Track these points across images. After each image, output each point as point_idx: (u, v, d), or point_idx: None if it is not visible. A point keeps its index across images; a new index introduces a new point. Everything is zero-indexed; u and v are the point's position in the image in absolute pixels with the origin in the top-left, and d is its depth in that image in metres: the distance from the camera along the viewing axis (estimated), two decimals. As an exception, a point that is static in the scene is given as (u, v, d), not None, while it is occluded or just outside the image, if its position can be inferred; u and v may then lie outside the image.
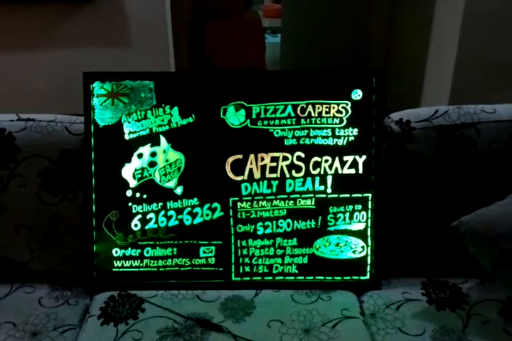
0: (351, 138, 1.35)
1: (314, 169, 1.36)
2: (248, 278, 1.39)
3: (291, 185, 1.36)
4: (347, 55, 3.25)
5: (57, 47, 2.10)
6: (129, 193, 1.36)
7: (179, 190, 1.36)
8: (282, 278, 1.39)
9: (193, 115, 1.34)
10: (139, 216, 1.36)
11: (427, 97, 2.35)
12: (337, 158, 1.35)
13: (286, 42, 3.77)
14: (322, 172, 1.36)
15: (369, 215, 1.37)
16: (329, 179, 1.36)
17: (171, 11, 2.20)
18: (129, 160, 1.35)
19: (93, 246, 1.37)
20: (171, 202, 1.36)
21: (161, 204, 1.36)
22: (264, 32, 3.59)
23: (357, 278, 1.39)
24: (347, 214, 1.37)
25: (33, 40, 2.08)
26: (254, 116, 1.34)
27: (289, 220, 1.38)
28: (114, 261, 1.38)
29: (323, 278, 1.39)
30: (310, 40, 3.43)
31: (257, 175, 1.36)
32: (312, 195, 1.37)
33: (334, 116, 1.35)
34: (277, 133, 1.35)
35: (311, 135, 1.35)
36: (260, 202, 1.37)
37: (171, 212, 1.37)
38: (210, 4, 3.16)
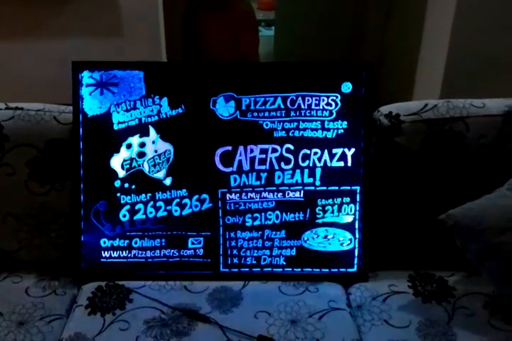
0: (340, 131, 1.35)
1: (303, 161, 1.36)
2: (236, 270, 1.39)
3: (280, 177, 1.36)
4: (341, 48, 3.24)
5: (49, 36, 2.09)
6: (117, 183, 1.35)
7: (168, 181, 1.36)
8: (270, 269, 1.40)
9: (183, 106, 1.34)
10: (128, 206, 1.36)
11: (419, 91, 2.36)
12: (326, 151, 1.35)
13: (280, 35, 3.76)
14: (311, 165, 1.36)
15: (357, 208, 1.38)
16: (318, 171, 1.36)
17: (164, 1, 2.19)
18: (117, 151, 1.34)
19: (81, 237, 1.37)
20: (160, 192, 1.36)
21: (149, 194, 1.36)
22: (258, 24, 3.57)
23: (344, 270, 1.40)
24: (335, 207, 1.37)
25: (24, 29, 2.07)
26: (243, 107, 1.34)
27: (277, 212, 1.38)
28: (102, 252, 1.38)
29: (310, 270, 1.40)
30: (304, 33, 3.42)
31: (246, 166, 1.36)
32: (301, 187, 1.37)
33: (324, 109, 1.35)
34: (267, 125, 1.35)
35: (300, 127, 1.35)
36: (249, 193, 1.37)
37: (160, 203, 1.37)
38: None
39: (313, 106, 1.34)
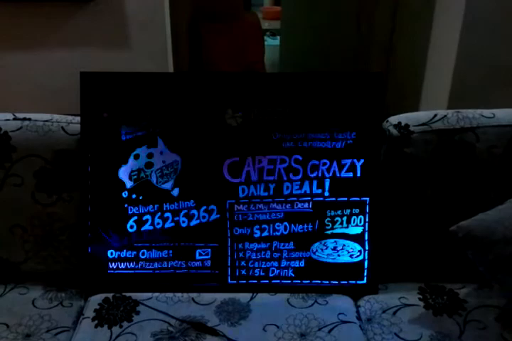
0: (349, 142, 1.34)
1: (312, 172, 1.35)
2: (244, 281, 1.38)
3: (288, 187, 1.35)
4: (347, 57, 3.24)
5: (56, 47, 2.09)
6: (125, 194, 1.34)
7: (176, 192, 1.35)
8: (278, 281, 1.38)
9: (191, 116, 1.33)
10: (135, 217, 1.35)
11: (426, 101, 2.35)
12: (335, 161, 1.34)
13: (286, 44, 3.77)
14: (320, 176, 1.35)
15: (366, 219, 1.36)
16: (327, 182, 1.35)
17: (171, 12, 2.19)
18: (125, 161, 1.34)
19: (88, 248, 1.36)
20: (168, 203, 1.35)
21: (157, 205, 1.35)
22: (263, 34, 3.59)
23: (354, 282, 1.38)
24: (344, 218, 1.36)
25: (31, 39, 2.08)
26: (252, 118, 1.33)
27: (286, 223, 1.37)
28: (109, 263, 1.37)
29: (319, 282, 1.38)
30: (309, 43, 3.42)
31: (254, 177, 1.35)
32: (309, 198, 1.36)
33: (332, 119, 1.34)
34: (275, 135, 1.34)
35: (309, 138, 1.34)
36: (257, 204, 1.36)
37: (167, 214, 1.36)
38: (210, 6, 3.16)
39: (321, 117, 1.34)
